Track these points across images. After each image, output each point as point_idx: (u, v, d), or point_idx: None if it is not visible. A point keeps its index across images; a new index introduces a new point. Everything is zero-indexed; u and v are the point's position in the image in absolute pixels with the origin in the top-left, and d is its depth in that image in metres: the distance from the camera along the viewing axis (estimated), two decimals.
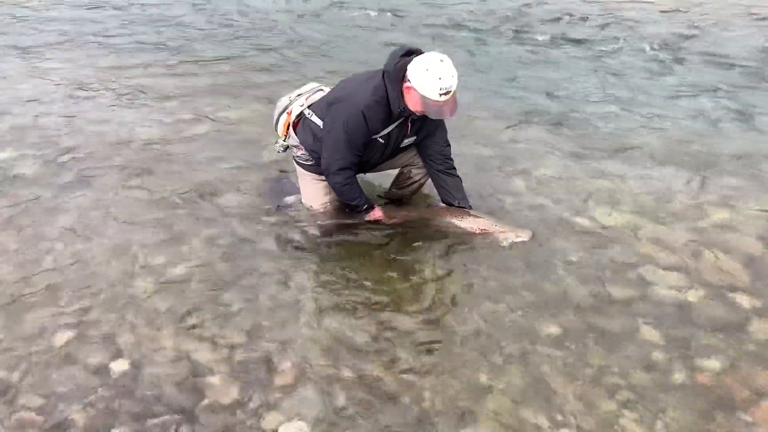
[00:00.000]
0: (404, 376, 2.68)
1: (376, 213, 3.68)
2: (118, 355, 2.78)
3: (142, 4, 8.94)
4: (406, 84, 3.16)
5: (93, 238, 3.60)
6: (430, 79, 3.07)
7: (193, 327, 2.94)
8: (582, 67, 6.57)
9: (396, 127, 3.38)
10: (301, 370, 2.69)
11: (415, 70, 3.11)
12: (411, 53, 3.19)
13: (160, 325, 2.95)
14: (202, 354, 2.78)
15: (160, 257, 3.43)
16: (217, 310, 3.04)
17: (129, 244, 3.54)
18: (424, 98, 3.13)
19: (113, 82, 6.07)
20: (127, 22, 8.14)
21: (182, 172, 4.34)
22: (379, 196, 3.97)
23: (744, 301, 3.14)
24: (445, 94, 3.09)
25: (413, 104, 3.20)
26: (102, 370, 2.70)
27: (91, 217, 3.80)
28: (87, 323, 2.97)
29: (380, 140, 3.42)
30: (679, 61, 6.78)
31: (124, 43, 7.34)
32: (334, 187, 3.56)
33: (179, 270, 3.33)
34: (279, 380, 2.65)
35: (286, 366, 2.72)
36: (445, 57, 3.12)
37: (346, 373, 2.68)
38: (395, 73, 3.17)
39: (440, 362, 2.76)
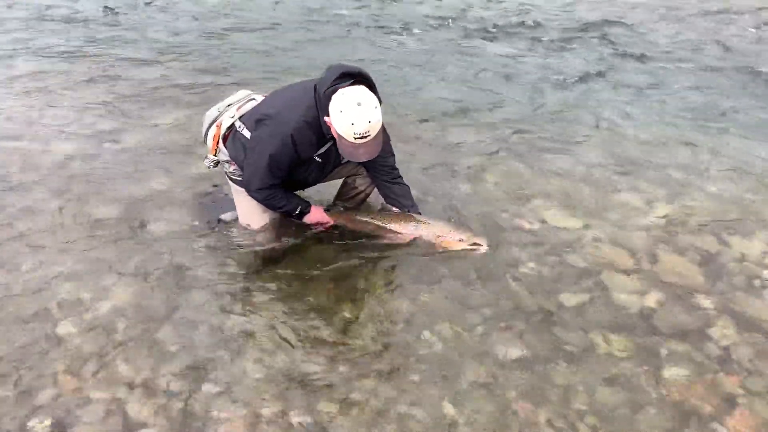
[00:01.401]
0: (362, 413, 2.46)
1: (315, 215, 3.43)
2: (38, 412, 2.45)
3: (49, 5, 8.33)
4: (326, 118, 2.94)
5: (5, 273, 3.22)
6: (343, 123, 2.84)
7: (125, 373, 2.63)
8: (518, 67, 6.48)
9: (333, 144, 3.15)
10: (250, 417, 2.44)
11: (332, 107, 2.87)
12: (347, 76, 2.93)
13: (86, 373, 2.63)
14: (136, 405, 2.49)
15: (82, 292, 3.09)
16: (150, 351, 2.75)
17: (47, 279, 3.19)
18: (339, 137, 2.92)
19: (24, 91, 5.58)
20: (37, 22, 7.56)
21: (105, 190, 3.98)
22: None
23: (704, 302, 3.09)
24: (360, 138, 2.86)
25: (336, 136, 2.99)
26: None
27: (1, 249, 3.41)
28: (1, 376, 2.62)
29: (317, 159, 3.19)
30: (616, 58, 6.80)
31: (35, 46, 6.79)
32: (256, 200, 3.33)
33: (105, 306, 3.01)
34: (225, 429, 2.40)
35: (232, 412, 2.46)
36: (365, 98, 2.84)
37: (299, 417, 2.44)
38: (324, 100, 2.92)
39: (400, 394, 2.56)
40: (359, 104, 2.82)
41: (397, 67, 6.26)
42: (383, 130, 3.06)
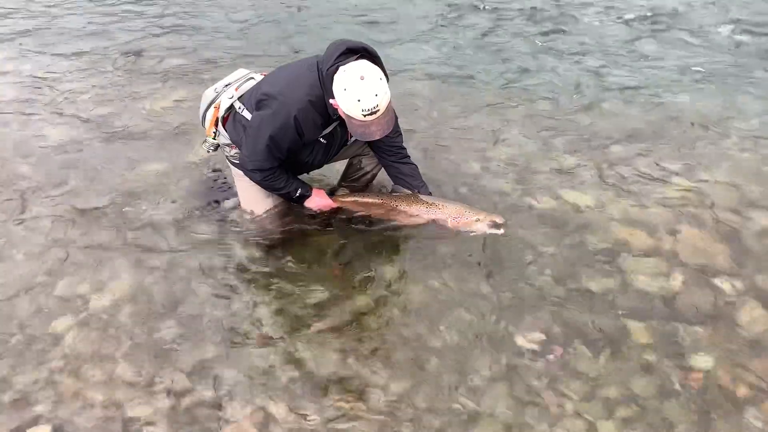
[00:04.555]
0: (377, 412, 2.35)
1: (316, 199, 3.27)
2: (36, 419, 2.34)
3: None
4: (332, 100, 2.78)
5: None
6: (349, 101, 2.68)
7: (125, 372, 2.51)
8: (531, 42, 6.24)
9: (338, 125, 2.99)
10: (259, 417, 2.33)
11: (335, 88, 2.72)
12: (351, 52, 2.77)
13: (85, 373, 2.51)
14: (138, 407, 2.37)
15: (80, 286, 2.96)
16: (152, 348, 2.63)
17: (42, 273, 3.05)
18: (348, 117, 2.76)
19: (11, 73, 5.37)
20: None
21: (100, 178, 3.82)
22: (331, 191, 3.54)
23: (727, 285, 2.94)
24: (370, 114, 2.71)
25: (344, 117, 2.83)
26: None
27: None
28: None
29: (322, 140, 3.04)
30: (629, 30, 6.57)
31: (24, 27, 6.55)
32: (253, 180, 3.17)
33: (104, 300, 2.88)
34: (233, 430, 2.28)
35: (240, 413, 2.35)
36: (368, 71, 2.68)
37: (311, 416, 2.32)
38: (328, 79, 2.76)
39: (415, 388, 2.44)
40: (362, 78, 2.66)
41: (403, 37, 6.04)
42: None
